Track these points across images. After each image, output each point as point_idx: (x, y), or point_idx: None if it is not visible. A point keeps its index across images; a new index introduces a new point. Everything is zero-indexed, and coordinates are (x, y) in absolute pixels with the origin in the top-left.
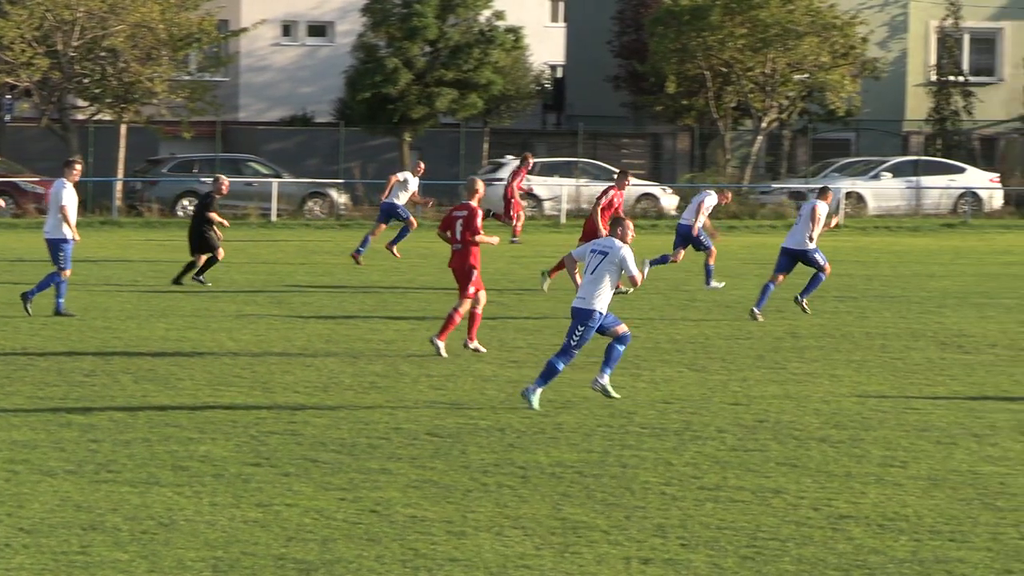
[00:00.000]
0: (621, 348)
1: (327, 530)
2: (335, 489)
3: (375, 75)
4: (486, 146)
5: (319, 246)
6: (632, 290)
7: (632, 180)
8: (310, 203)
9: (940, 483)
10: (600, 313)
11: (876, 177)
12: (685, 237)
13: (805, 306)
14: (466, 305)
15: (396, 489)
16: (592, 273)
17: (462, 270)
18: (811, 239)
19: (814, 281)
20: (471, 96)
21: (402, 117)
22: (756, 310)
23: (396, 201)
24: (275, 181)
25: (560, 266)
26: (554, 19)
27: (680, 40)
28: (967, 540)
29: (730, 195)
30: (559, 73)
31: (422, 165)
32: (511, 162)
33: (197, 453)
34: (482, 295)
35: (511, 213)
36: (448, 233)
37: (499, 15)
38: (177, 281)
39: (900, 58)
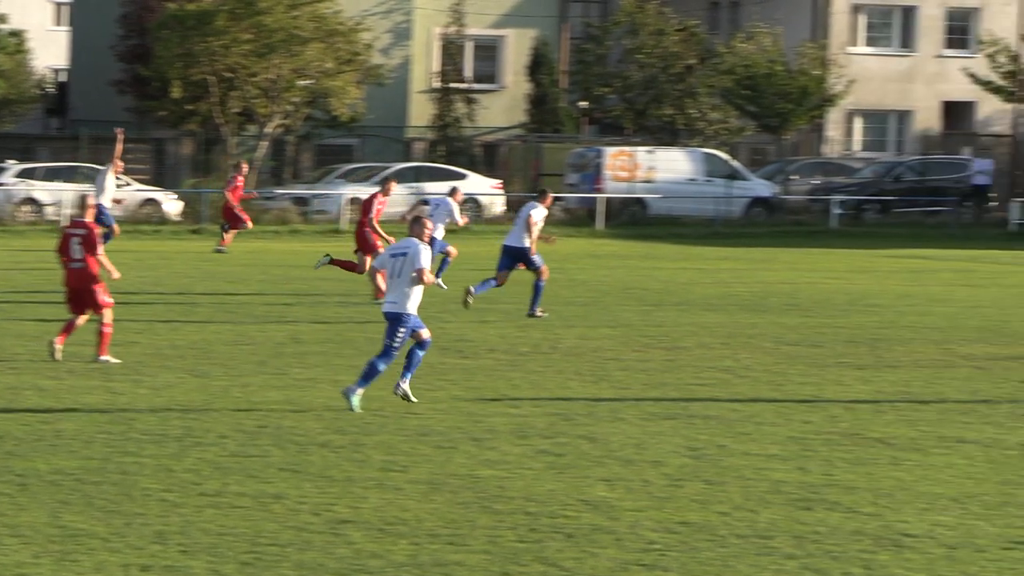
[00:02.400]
0: (421, 353)
1: None
2: None
3: None
4: None
5: None
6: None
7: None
8: None
9: (440, 487)
10: (411, 315)
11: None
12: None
13: (539, 313)
14: (108, 315)
15: None
16: (399, 276)
17: (86, 288)
18: (528, 244)
19: (536, 291)
20: None
21: None
22: (473, 291)
23: None
24: None
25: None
26: (57, 23)
27: (185, 45)
28: (466, 543)
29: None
30: (62, 77)
31: None
32: (13, 167)
33: None
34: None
35: (243, 221)
36: (63, 255)
37: (2, 18)
38: None
39: (404, 65)
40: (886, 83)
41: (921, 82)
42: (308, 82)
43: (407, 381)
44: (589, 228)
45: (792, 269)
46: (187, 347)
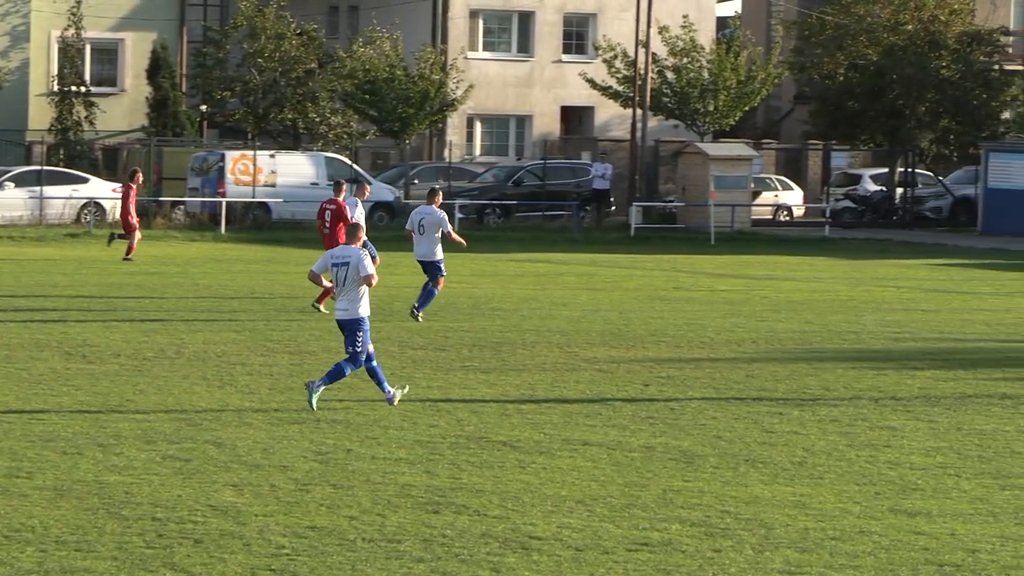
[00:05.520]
0: (348, 370)
1: None
2: None
3: None
4: None
5: None
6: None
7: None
8: None
9: (66, 493)
10: (366, 319)
11: (0, 187)
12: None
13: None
14: None
15: None
16: (344, 284)
17: None
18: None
19: (427, 292)
20: None
21: None
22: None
23: None
24: None
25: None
26: None
27: None
28: (93, 550)
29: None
30: None
31: None
32: None
33: None
34: None
35: (132, 231)
36: None
37: None
38: None
39: (22, 68)
40: (505, 88)
41: (540, 87)
42: None
43: (321, 390)
44: (212, 232)
45: (416, 273)
46: None
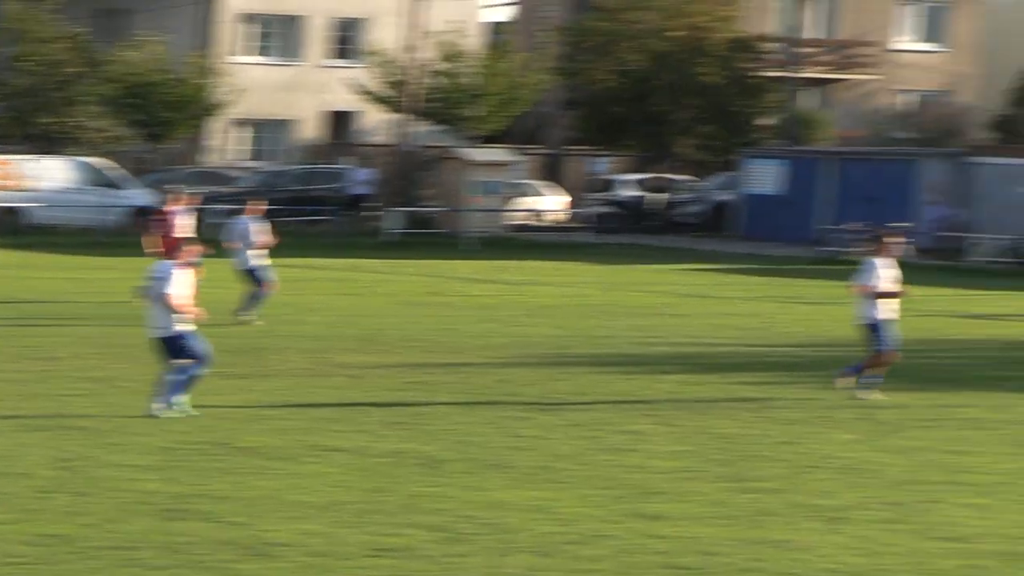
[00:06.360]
0: (195, 371)
1: None
2: None
3: None
4: None
5: None
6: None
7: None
8: None
9: None
10: (185, 332)
11: None
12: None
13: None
14: None
15: None
16: (155, 300)
17: None
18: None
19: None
20: None
21: None
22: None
23: None
24: None
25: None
26: None
27: None
28: None
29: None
30: None
31: None
32: None
33: None
34: None
35: None
36: None
37: None
38: None
39: None
40: (271, 92)
41: (305, 92)
42: None
43: (173, 399)
44: None
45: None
46: None
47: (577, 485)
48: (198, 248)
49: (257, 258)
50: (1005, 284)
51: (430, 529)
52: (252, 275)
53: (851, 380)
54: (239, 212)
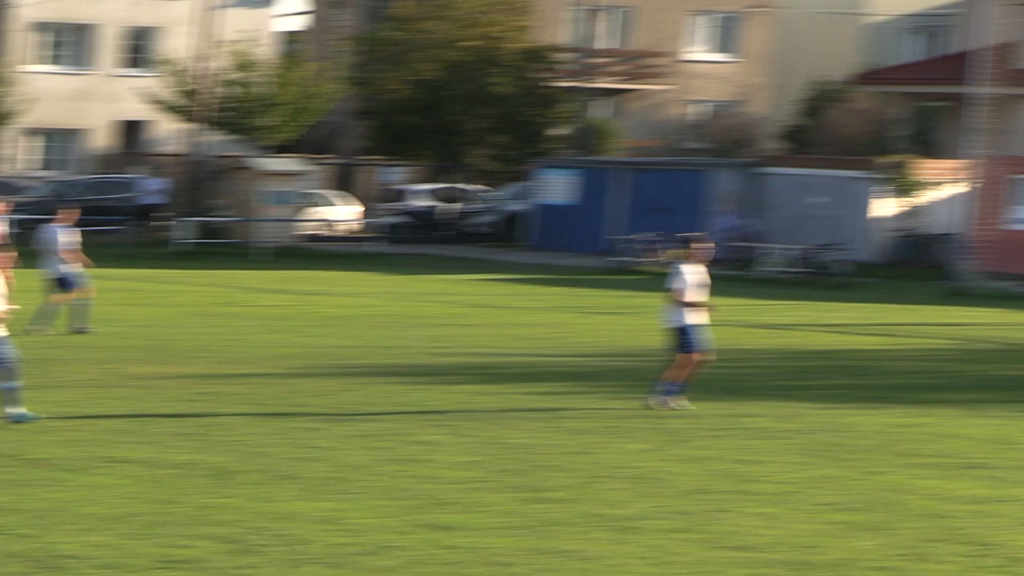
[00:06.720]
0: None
1: None
2: None
3: None
4: None
5: None
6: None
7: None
8: None
9: None
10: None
11: None
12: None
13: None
14: None
15: None
16: None
17: None
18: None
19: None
20: None
21: None
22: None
23: None
24: None
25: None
26: None
27: None
28: None
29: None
30: None
31: None
32: None
33: None
34: None
35: None
36: None
37: None
38: None
39: None
40: (62, 101)
41: (97, 101)
42: None
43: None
44: None
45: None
46: None
47: (369, 496)
48: (12, 254)
49: (67, 266)
50: (795, 294)
51: (220, 540)
52: (62, 283)
53: (679, 399)
54: (48, 220)
